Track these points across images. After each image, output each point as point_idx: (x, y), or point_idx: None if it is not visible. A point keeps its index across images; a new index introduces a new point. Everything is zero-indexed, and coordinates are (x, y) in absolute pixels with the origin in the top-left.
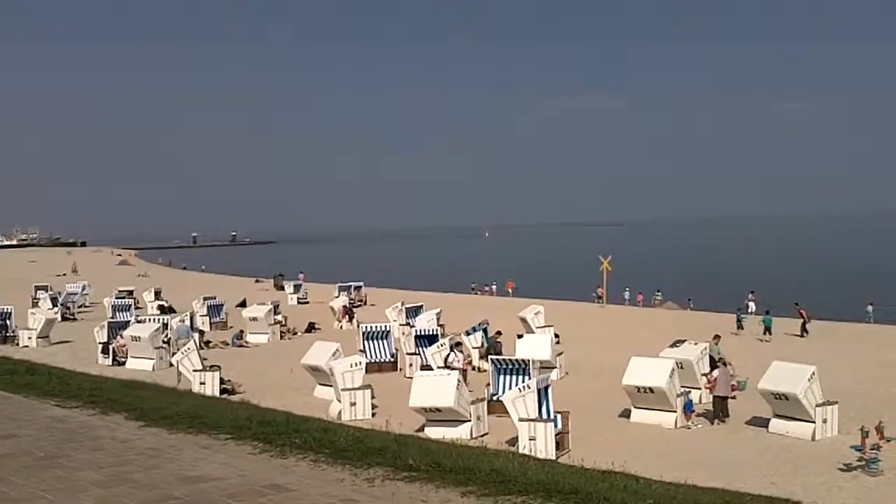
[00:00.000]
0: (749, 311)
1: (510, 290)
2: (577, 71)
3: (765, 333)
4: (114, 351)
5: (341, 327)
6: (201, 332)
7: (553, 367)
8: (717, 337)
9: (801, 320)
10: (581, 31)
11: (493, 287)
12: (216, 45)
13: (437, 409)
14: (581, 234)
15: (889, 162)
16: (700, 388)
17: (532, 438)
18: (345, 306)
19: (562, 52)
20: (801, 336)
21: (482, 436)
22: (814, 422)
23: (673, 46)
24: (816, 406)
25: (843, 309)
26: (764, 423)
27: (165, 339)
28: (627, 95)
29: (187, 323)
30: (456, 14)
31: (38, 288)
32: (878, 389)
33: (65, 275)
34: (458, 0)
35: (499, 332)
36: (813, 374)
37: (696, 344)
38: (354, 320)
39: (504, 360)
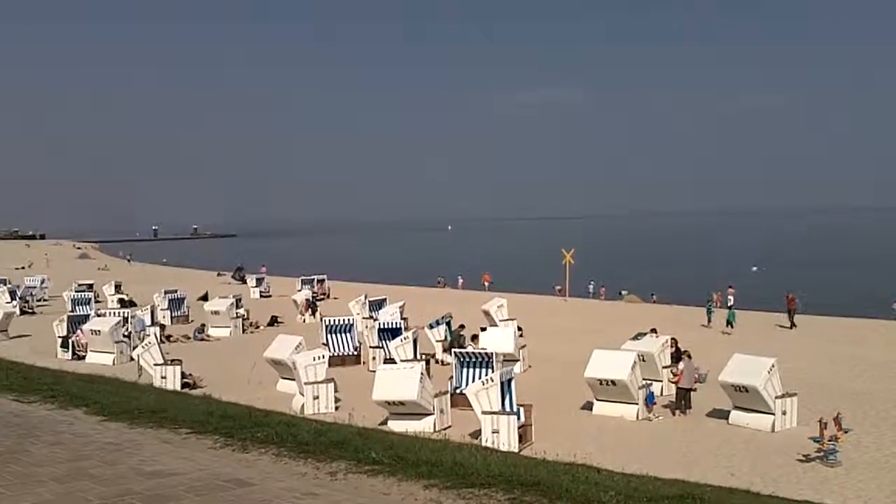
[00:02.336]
0: (728, 304)
1: (486, 284)
2: (535, 66)
3: (727, 326)
4: (73, 345)
5: (304, 321)
6: (162, 326)
7: (516, 360)
8: (653, 331)
9: (789, 310)
10: (536, 28)
11: (460, 280)
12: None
13: (401, 403)
14: (544, 228)
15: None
16: (661, 381)
17: (495, 431)
18: (308, 299)
19: (517, 48)
20: (790, 328)
21: (445, 429)
22: (773, 413)
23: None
24: (776, 398)
25: (868, 305)
26: (724, 414)
27: (126, 334)
28: (586, 90)
29: (140, 316)
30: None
31: None
32: (838, 381)
33: (23, 268)
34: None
35: (462, 326)
36: (773, 366)
37: (657, 337)
38: (317, 314)
39: (467, 353)
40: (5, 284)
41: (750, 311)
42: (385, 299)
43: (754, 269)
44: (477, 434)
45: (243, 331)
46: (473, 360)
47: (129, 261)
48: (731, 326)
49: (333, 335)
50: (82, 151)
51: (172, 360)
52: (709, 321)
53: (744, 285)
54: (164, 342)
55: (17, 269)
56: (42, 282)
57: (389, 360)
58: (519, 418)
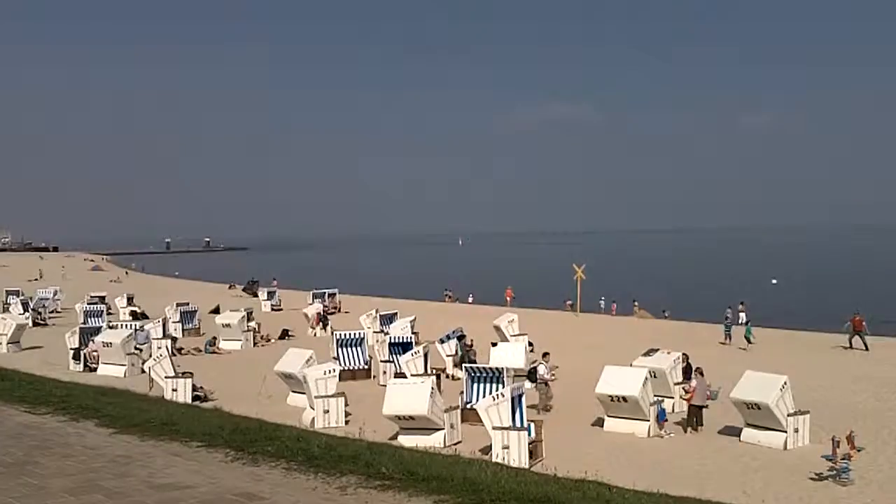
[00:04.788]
0: (740, 321)
1: (508, 299)
2: (544, 78)
3: (747, 343)
4: (85, 357)
5: (315, 334)
6: (174, 339)
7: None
8: (651, 351)
9: (856, 331)
10: (538, 36)
11: (470, 297)
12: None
13: (411, 417)
14: (556, 243)
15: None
16: (673, 397)
17: (505, 447)
18: (319, 313)
19: (528, 57)
20: (865, 349)
21: (455, 444)
22: (785, 431)
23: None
24: (788, 415)
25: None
26: (736, 432)
27: (138, 346)
28: (596, 104)
29: (148, 329)
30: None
31: (8, 293)
32: (853, 400)
33: (35, 280)
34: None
35: (462, 336)
36: (785, 383)
37: (668, 353)
38: (328, 327)
39: (478, 368)
40: (18, 296)
41: (777, 329)
42: (396, 313)
43: (774, 281)
44: (487, 450)
45: (254, 344)
46: (484, 375)
47: (126, 272)
48: (749, 342)
49: (344, 349)
50: (90, 156)
51: (183, 373)
52: (726, 338)
53: (770, 302)
54: (175, 354)
55: (29, 280)
56: (54, 293)
57: (400, 375)
58: (529, 434)
